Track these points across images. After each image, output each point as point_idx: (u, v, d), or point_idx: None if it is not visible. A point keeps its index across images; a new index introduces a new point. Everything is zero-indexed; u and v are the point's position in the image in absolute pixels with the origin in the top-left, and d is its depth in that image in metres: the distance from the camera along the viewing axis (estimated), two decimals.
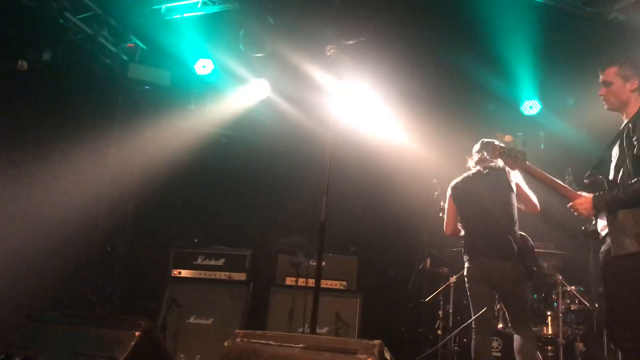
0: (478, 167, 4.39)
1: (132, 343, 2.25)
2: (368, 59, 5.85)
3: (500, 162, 4.14)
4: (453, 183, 4.48)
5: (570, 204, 3.24)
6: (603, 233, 3.19)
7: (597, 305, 5.19)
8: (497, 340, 5.03)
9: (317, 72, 6.12)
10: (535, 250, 5.64)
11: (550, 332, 5.29)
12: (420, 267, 5.89)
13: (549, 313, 5.35)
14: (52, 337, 2.50)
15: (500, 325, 5.27)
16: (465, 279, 4.30)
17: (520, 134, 7.10)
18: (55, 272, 5.57)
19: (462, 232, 4.47)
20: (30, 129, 5.57)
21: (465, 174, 4.44)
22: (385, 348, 1.63)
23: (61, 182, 5.70)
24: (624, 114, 3.30)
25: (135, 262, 6.67)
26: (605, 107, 3.36)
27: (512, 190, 4.30)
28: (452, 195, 4.45)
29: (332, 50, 3.63)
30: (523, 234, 4.35)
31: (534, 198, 4.37)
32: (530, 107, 6.75)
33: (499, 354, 4.98)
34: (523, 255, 4.21)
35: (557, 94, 6.74)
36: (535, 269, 4.31)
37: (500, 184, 4.29)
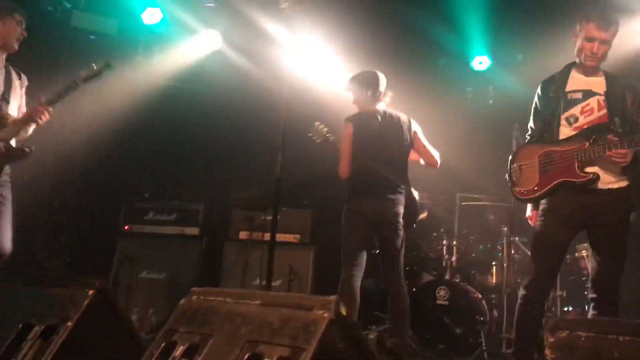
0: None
1: (86, 302, 2.23)
2: (321, 12, 5.76)
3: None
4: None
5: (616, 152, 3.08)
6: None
7: None
8: (444, 289, 5.22)
9: (270, 25, 6.00)
10: (482, 202, 5.87)
11: (494, 280, 5.53)
12: None
13: (494, 263, 5.59)
14: (2, 297, 2.46)
15: (447, 275, 5.48)
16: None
17: (470, 89, 7.23)
18: None
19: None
20: None
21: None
22: (342, 303, 1.67)
23: None
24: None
25: (85, 218, 6.54)
26: (590, 63, 3.32)
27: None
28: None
29: (286, 3, 3.58)
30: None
31: (434, 152, 4.42)
32: (480, 62, 6.83)
33: (446, 303, 5.18)
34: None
35: (506, 50, 6.83)
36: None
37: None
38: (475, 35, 6.54)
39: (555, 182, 3.26)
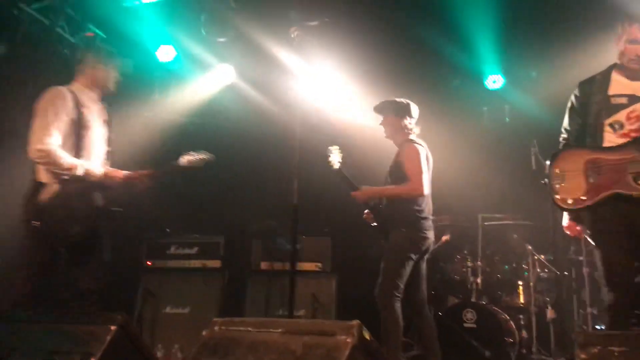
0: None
1: (109, 337, 2.23)
2: (332, 39, 5.82)
3: None
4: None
5: None
6: None
7: (565, 272, 5.32)
8: (471, 311, 5.13)
9: (282, 55, 6.07)
10: (504, 222, 5.79)
11: (522, 300, 5.42)
12: None
13: (520, 282, 5.48)
14: (25, 336, 2.46)
15: (474, 297, 5.38)
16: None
17: (485, 108, 7.21)
18: (26, 268, 5.46)
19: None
20: None
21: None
22: (364, 328, 1.64)
23: (23, 180, 5.56)
24: None
25: (108, 255, 6.57)
26: (635, 66, 3.19)
27: None
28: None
29: (296, 32, 3.62)
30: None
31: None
32: (494, 81, 6.82)
33: (473, 325, 5.09)
34: None
35: (520, 68, 6.82)
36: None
37: None
38: (487, 54, 6.54)
39: (606, 194, 3.06)
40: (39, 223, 3.41)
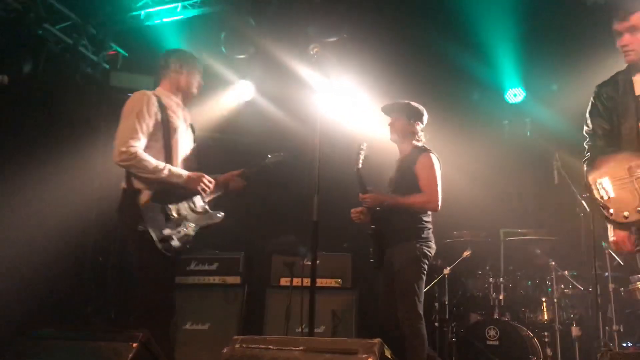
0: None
1: (130, 355, 2.24)
2: (352, 55, 5.84)
3: None
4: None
5: None
6: None
7: (590, 288, 5.22)
8: (494, 329, 5.05)
9: (301, 71, 6.11)
10: (527, 237, 5.71)
11: (546, 317, 5.32)
12: None
13: (543, 299, 5.39)
14: (48, 353, 2.48)
15: (496, 314, 5.30)
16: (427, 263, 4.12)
17: (506, 122, 7.16)
18: (48, 286, 5.52)
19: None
20: (14, 143, 5.51)
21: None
22: (385, 346, 1.62)
23: (49, 194, 5.65)
24: None
25: (129, 271, 6.62)
26: (627, 58, 3.10)
27: None
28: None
29: (315, 49, 3.63)
30: None
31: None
32: (515, 95, 6.79)
33: (496, 343, 5.00)
34: None
35: (540, 81, 6.77)
36: None
37: None
38: (507, 68, 6.52)
39: None
40: (141, 228, 3.33)
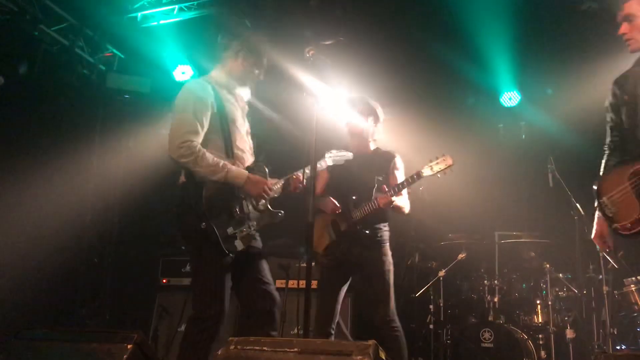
0: None
1: (125, 356, 2.24)
2: (348, 58, 5.86)
3: None
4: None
5: None
6: None
7: (584, 291, 5.24)
8: (488, 331, 5.07)
9: (297, 74, 6.11)
10: (522, 240, 5.73)
11: (540, 320, 5.34)
12: (409, 262, 5.92)
13: (538, 302, 5.40)
14: (43, 354, 2.48)
15: (491, 317, 5.31)
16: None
17: (501, 125, 7.19)
18: (43, 287, 5.52)
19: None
20: (10, 144, 5.51)
21: None
22: (380, 348, 1.63)
23: (44, 196, 5.64)
24: None
25: (124, 273, 6.62)
26: (630, 48, 3.00)
27: None
28: None
29: (311, 52, 3.61)
30: None
31: None
32: (510, 98, 6.81)
33: (491, 345, 5.02)
34: None
35: (535, 85, 6.80)
36: None
37: None
38: (503, 71, 6.55)
39: None
40: (204, 225, 3.08)
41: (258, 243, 3.46)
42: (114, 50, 6.87)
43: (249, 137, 3.63)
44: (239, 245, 3.23)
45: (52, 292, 5.67)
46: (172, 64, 6.81)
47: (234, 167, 3.28)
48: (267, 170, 3.45)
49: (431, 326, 5.54)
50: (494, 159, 6.64)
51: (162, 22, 6.54)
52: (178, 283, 5.93)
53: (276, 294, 3.40)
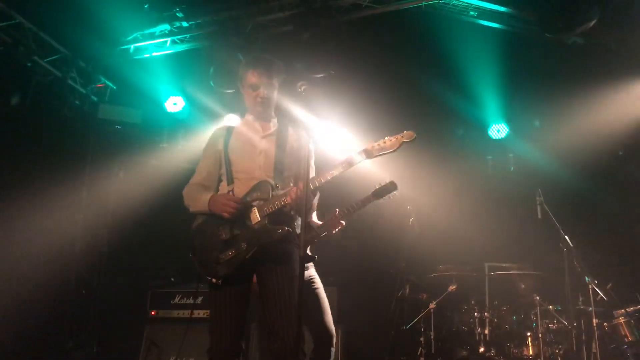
0: None
1: None
2: (338, 91, 5.93)
3: None
4: None
5: None
6: None
7: (574, 323, 5.24)
8: None
9: (289, 106, 6.17)
10: (511, 272, 5.74)
11: (531, 352, 5.32)
12: (399, 294, 5.89)
13: (528, 334, 5.39)
14: None
15: (482, 349, 5.29)
16: None
17: (490, 157, 7.26)
18: (30, 319, 5.44)
19: None
20: (1, 174, 5.49)
21: None
22: None
23: (33, 226, 5.61)
24: None
25: (112, 305, 6.53)
26: None
27: None
28: None
29: (303, 87, 3.63)
30: None
31: None
32: (498, 130, 6.90)
33: None
34: None
35: (523, 117, 6.90)
36: None
37: None
38: (491, 104, 6.64)
39: None
40: (191, 255, 3.31)
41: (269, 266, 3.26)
42: (106, 82, 6.92)
43: (266, 155, 3.45)
44: (221, 270, 3.21)
45: (40, 325, 5.59)
46: (163, 95, 6.87)
47: (202, 197, 3.40)
48: (272, 184, 3.34)
49: (422, 359, 5.50)
50: (482, 190, 6.68)
51: (154, 54, 6.61)
52: (167, 315, 5.86)
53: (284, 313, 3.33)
